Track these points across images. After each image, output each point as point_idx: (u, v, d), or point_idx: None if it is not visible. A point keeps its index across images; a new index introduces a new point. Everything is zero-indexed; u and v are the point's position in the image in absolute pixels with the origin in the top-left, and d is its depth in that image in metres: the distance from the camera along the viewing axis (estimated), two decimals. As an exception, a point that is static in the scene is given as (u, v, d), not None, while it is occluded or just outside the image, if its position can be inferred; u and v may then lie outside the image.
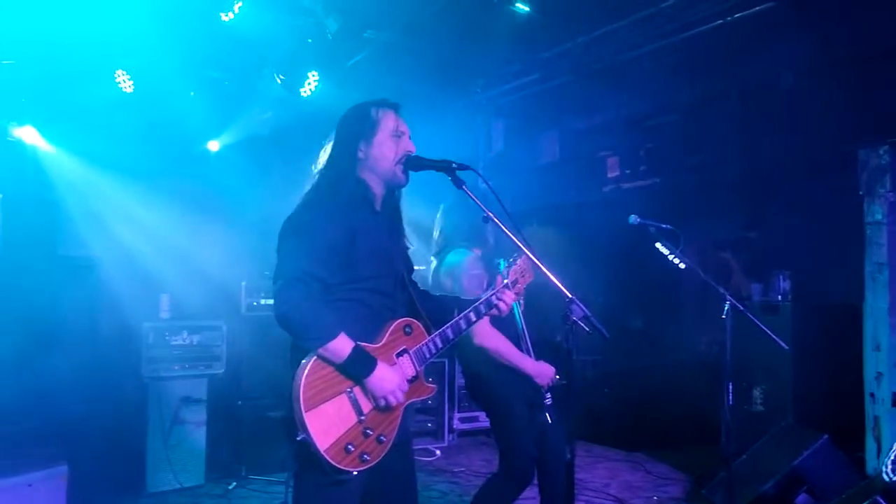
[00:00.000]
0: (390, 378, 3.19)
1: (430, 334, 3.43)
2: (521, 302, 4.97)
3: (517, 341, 5.05)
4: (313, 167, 3.53)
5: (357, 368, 3.14)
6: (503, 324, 4.32)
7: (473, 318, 3.51)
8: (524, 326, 5.12)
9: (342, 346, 3.11)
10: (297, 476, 3.26)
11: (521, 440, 5.08)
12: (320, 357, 3.10)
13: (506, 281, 3.61)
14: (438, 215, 5.30)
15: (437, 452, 9.19)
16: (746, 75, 8.38)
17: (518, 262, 3.67)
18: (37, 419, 7.08)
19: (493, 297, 3.56)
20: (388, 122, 3.44)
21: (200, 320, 7.63)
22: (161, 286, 7.75)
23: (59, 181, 8.37)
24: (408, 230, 3.71)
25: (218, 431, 7.75)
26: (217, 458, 7.81)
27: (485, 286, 4.90)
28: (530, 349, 5.09)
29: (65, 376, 7.99)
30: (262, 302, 8.06)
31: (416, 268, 3.77)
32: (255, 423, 7.82)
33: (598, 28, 8.17)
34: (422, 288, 3.77)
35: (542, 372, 4.98)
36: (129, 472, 7.32)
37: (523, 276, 3.68)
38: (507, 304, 3.59)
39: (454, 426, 9.85)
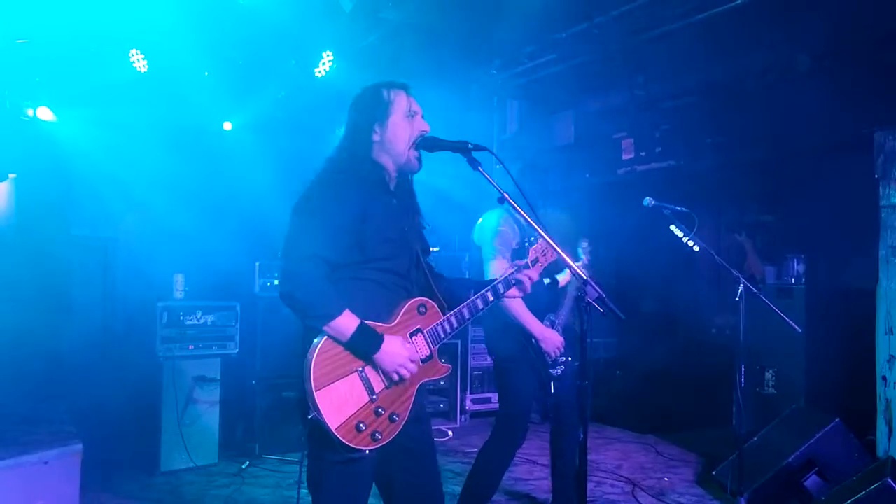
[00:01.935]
0: (399, 351, 3.20)
1: (444, 314, 3.43)
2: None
3: (542, 314, 5.22)
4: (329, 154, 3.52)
5: (363, 345, 3.14)
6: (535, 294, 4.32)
7: (491, 298, 3.50)
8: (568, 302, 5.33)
9: (347, 322, 3.11)
10: (311, 454, 3.27)
11: (514, 396, 5.36)
12: (329, 336, 3.12)
13: (526, 260, 3.60)
14: None
15: (450, 433, 9.23)
16: (763, 57, 8.32)
17: (539, 240, 3.65)
18: (52, 398, 7.14)
19: (512, 277, 3.56)
20: (400, 102, 3.43)
21: (214, 300, 7.65)
22: (175, 266, 7.76)
23: (73, 161, 8.38)
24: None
25: (231, 411, 7.80)
26: (230, 437, 7.87)
27: (513, 246, 5.04)
28: (559, 319, 5.30)
29: (80, 356, 8.05)
30: (276, 282, 8.05)
31: (432, 249, 3.78)
32: (268, 402, 7.86)
33: (615, 8, 8.12)
34: (436, 270, 3.76)
35: (547, 337, 5.15)
36: (143, 451, 7.38)
37: (544, 254, 3.64)
38: (527, 283, 3.58)
39: (466, 407, 9.89)
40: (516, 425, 5.35)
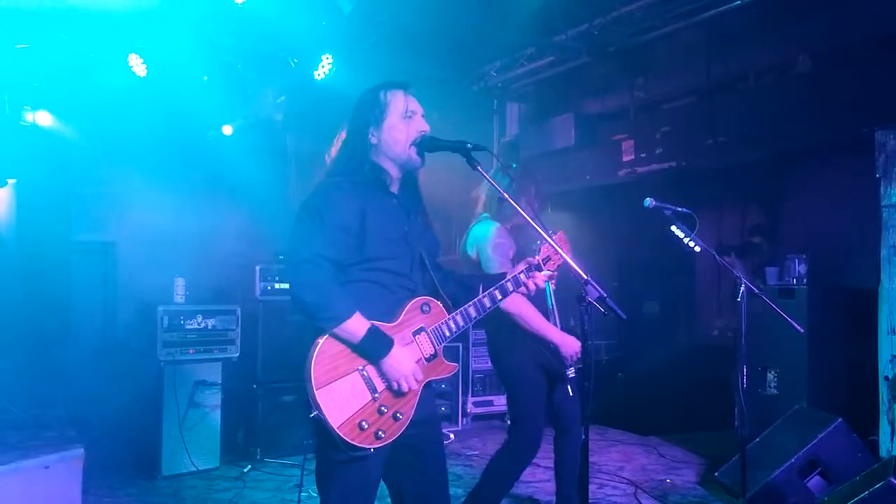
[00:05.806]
0: (405, 362, 3.18)
1: (450, 314, 3.40)
2: (554, 280, 5.00)
3: (545, 317, 5.14)
4: (327, 156, 3.51)
5: (373, 349, 3.13)
6: (532, 299, 4.28)
7: (499, 297, 3.46)
8: (555, 303, 5.18)
9: (358, 326, 3.10)
10: (318, 454, 3.27)
11: (531, 409, 5.26)
12: (335, 336, 3.10)
13: (537, 258, 3.55)
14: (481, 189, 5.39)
15: (452, 436, 9.20)
16: (763, 57, 8.32)
17: (553, 237, 3.61)
18: (53, 402, 7.13)
19: (522, 275, 3.52)
20: (396, 103, 3.41)
21: (215, 304, 7.63)
22: (176, 270, 7.76)
23: (73, 165, 8.38)
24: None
25: (233, 415, 7.78)
26: (232, 441, 7.86)
27: (511, 256, 4.96)
28: (558, 324, 5.18)
29: (81, 360, 8.06)
30: (277, 286, 8.02)
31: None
32: (269, 406, 7.85)
33: (615, 10, 8.13)
34: (448, 269, 3.73)
35: (567, 342, 5.05)
36: (144, 455, 7.38)
37: (556, 253, 3.54)
38: (536, 283, 3.53)
39: (468, 410, 9.88)
40: (529, 438, 5.25)
